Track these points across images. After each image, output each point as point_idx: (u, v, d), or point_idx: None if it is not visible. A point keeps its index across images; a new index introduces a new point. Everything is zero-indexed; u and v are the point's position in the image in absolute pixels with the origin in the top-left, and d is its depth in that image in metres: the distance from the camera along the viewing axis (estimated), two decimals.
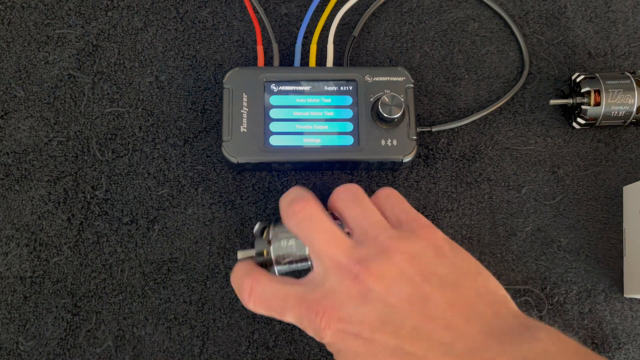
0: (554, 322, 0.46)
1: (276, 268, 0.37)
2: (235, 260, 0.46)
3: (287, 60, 0.50)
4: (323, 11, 0.50)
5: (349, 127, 0.46)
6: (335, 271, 0.32)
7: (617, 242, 0.48)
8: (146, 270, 0.45)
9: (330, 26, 0.50)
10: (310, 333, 0.32)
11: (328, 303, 0.31)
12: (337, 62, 0.50)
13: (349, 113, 0.46)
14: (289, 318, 0.33)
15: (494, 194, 0.48)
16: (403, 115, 0.46)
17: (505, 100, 0.50)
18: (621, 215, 0.48)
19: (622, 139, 0.50)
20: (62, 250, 0.45)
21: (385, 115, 0.45)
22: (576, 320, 0.46)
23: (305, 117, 0.46)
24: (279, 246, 0.37)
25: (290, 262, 0.36)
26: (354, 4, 0.51)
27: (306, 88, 0.47)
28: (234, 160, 0.45)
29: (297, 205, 0.34)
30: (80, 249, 0.45)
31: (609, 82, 0.47)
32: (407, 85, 0.47)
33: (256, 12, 0.50)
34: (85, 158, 0.47)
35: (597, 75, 0.48)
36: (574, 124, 0.49)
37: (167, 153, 0.48)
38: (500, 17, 0.52)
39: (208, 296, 0.45)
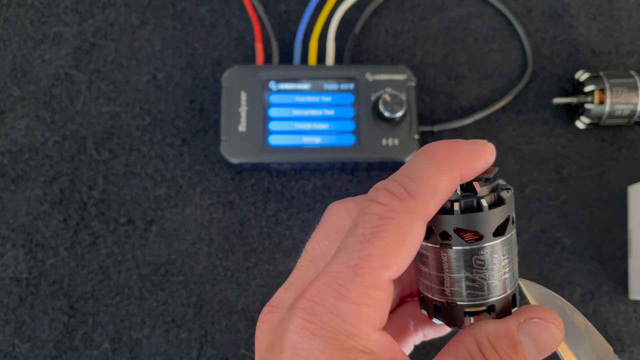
0: None
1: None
2: (233, 261, 0.45)
3: (286, 59, 0.49)
4: (323, 8, 0.49)
5: (350, 126, 0.46)
6: None
7: (621, 243, 0.47)
8: (143, 272, 0.45)
9: (330, 24, 0.49)
10: None
11: None
12: (338, 60, 0.49)
13: (349, 112, 0.46)
14: None
15: None
16: (405, 114, 0.45)
17: (508, 99, 0.49)
18: (626, 216, 0.48)
19: (626, 139, 0.49)
20: (58, 252, 0.45)
21: (386, 114, 0.44)
22: None
23: (305, 116, 0.46)
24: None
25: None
26: (355, 1, 0.50)
27: (306, 86, 0.46)
28: (232, 160, 0.44)
29: None
30: (77, 250, 0.45)
31: (613, 81, 0.46)
32: (409, 84, 0.46)
33: (255, 9, 0.49)
34: (82, 158, 0.47)
35: (601, 74, 0.47)
36: (578, 123, 0.48)
37: (164, 153, 0.47)
38: (503, 15, 0.51)
39: (206, 298, 0.45)
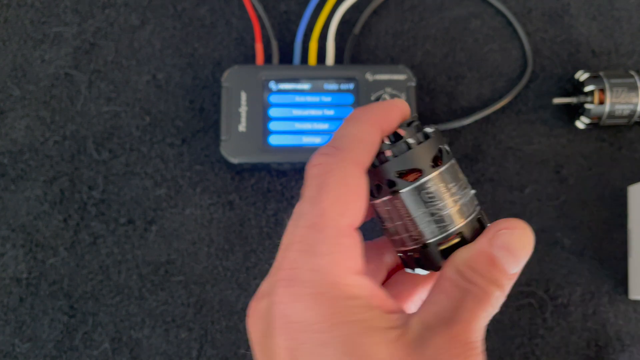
0: (557, 324, 0.46)
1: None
2: (233, 261, 0.45)
3: (286, 58, 0.49)
4: (323, 8, 0.49)
5: None
6: None
7: (621, 243, 0.47)
8: (143, 272, 0.45)
9: (330, 24, 0.49)
10: None
11: None
12: (338, 60, 0.49)
13: (349, 112, 0.46)
14: None
15: (497, 195, 0.48)
16: None
17: (508, 99, 0.49)
18: (625, 216, 0.48)
19: (626, 139, 0.49)
20: (58, 252, 0.45)
21: None
22: (580, 322, 0.46)
23: (305, 116, 0.46)
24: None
25: None
26: (355, 1, 0.50)
27: (306, 86, 0.46)
28: (232, 160, 0.44)
29: None
30: (77, 250, 0.45)
31: (613, 81, 0.46)
32: (409, 84, 0.46)
33: (255, 9, 0.49)
34: (82, 158, 0.47)
35: (601, 74, 0.47)
36: (578, 123, 0.48)
37: (164, 153, 0.47)
38: (503, 15, 0.51)
39: (206, 298, 0.45)
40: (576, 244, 0.47)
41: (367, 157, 0.23)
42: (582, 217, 0.48)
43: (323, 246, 0.21)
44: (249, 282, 0.45)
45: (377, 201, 0.25)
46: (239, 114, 0.45)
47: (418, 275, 0.26)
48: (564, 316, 0.46)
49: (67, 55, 0.48)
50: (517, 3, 0.52)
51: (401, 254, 0.25)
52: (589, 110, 0.47)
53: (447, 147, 0.25)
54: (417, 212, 0.24)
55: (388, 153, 0.24)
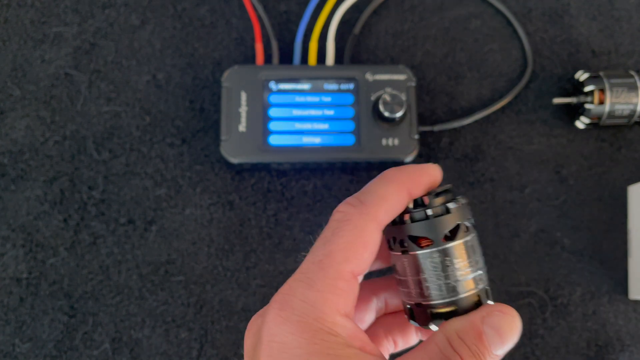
0: (557, 324, 0.46)
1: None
2: (233, 261, 0.45)
3: (286, 59, 0.49)
4: (323, 8, 0.49)
5: (350, 126, 0.46)
6: None
7: (621, 243, 0.47)
8: (143, 272, 0.45)
9: (330, 24, 0.49)
10: None
11: None
12: (338, 60, 0.49)
13: (349, 112, 0.46)
14: None
15: (497, 195, 0.48)
16: (404, 114, 0.45)
17: (508, 99, 0.49)
18: (625, 216, 0.48)
19: (626, 139, 0.49)
20: (58, 252, 0.45)
21: (386, 114, 0.44)
22: (580, 322, 0.46)
23: (305, 116, 0.46)
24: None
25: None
26: (355, 1, 0.50)
27: (306, 86, 0.46)
28: (232, 160, 0.44)
29: None
30: (77, 250, 0.45)
31: (613, 81, 0.46)
32: (409, 84, 0.46)
33: (255, 9, 0.49)
34: (82, 158, 0.47)
35: (601, 74, 0.47)
36: (578, 123, 0.48)
37: (164, 153, 0.47)
38: (503, 15, 0.51)
39: (206, 298, 0.45)
40: (576, 244, 0.47)
41: (386, 216, 0.25)
42: (582, 217, 0.48)
43: (320, 283, 0.23)
44: (249, 282, 0.45)
45: (391, 252, 0.26)
46: (239, 114, 0.45)
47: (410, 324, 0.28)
48: (564, 316, 0.46)
49: (67, 55, 0.48)
50: (517, 3, 0.52)
51: (403, 301, 0.27)
52: (589, 110, 0.47)
53: (467, 224, 0.25)
54: (419, 275, 0.25)
55: (406, 217, 0.25)
